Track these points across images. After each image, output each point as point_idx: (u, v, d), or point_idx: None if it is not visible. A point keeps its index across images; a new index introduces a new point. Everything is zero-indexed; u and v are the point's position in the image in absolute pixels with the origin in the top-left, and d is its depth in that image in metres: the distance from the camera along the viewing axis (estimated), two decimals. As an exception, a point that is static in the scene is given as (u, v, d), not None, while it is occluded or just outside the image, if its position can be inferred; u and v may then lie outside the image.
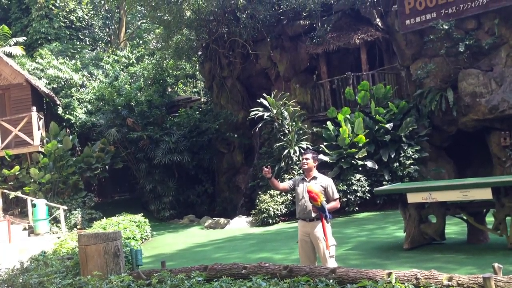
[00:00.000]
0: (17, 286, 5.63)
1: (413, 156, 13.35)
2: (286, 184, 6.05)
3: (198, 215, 16.73)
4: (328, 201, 5.53)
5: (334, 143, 14.15)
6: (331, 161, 13.87)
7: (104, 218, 12.79)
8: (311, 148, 14.35)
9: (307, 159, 5.73)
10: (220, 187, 18.49)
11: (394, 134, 13.65)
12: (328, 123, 14.38)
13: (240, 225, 14.11)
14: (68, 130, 18.97)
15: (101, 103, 19.47)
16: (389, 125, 13.64)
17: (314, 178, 5.67)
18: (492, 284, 3.33)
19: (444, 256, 6.97)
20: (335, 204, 5.62)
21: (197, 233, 13.84)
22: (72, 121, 19.51)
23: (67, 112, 19.50)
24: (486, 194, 6.82)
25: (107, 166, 18.30)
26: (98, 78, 21.44)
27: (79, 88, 20.66)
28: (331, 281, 3.87)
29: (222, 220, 14.57)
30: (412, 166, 13.23)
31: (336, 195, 5.66)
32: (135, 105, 18.73)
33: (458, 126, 14.02)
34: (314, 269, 4.59)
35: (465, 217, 7.60)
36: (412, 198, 7.58)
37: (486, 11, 13.21)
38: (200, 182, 18.62)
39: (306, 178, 5.71)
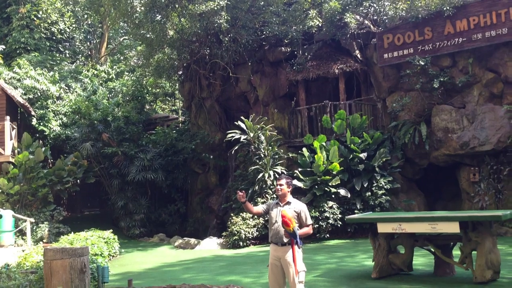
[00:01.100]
0: (-24, 298, 5.46)
1: (385, 187, 13.55)
2: (260, 208, 6.06)
3: (169, 234, 16.53)
4: (301, 226, 5.56)
5: (308, 169, 14.26)
6: (305, 187, 13.95)
7: (72, 233, 12.55)
8: (285, 173, 14.45)
9: (281, 184, 5.74)
10: (192, 207, 18.37)
11: (367, 163, 13.86)
12: (304, 149, 14.52)
13: (210, 246, 13.99)
14: (41, 141, 18.63)
15: (77, 117, 19.26)
16: (363, 155, 13.85)
17: (288, 203, 5.69)
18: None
19: (411, 287, 7.05)
20: (308, 230, 5.64)
21: (167, 252, 13.67)
22: (46, 133, 19.24)
23: (42, 124, 19.23)
24: (453, 227, 6.95)
25: (78, 180, 18.03)
26: (76, 91, 21.27)
27: (55, 100, 20.43)
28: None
29: (192, 240, 14.44)
30: (384, 196, 13.41)
31: (309, 221, 5.68)
32: (112, 120, 18.59)
33: (430, 159, 14.34)
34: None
35: (432, 249, 7.72)
36: (382, 228, 7.69)
37: (461, 50, 13.67)
38: (173, 201, 18.46)
39: (280, 203, 5.73)
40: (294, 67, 16.11)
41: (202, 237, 15.36)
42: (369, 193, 13.54)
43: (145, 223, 17.35)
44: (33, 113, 19.17)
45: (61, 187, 16.77)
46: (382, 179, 13.66)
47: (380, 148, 14.15)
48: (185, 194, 18.95)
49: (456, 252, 7.62)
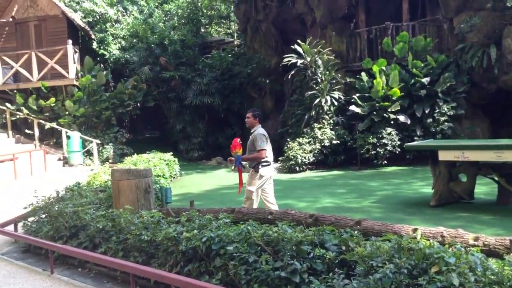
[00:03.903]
0: (53, 213, 5.90)
1: (448, 113, 13.04)
2: None
3: (226, 158, 16.91)
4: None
5: (367, 94, 13.90)
6: (362, 113, 13.68)
7: (135, 154, 13.06)
8: (342, 98, 14.22)
9: (248, 117, 6.45)
10: (248, 132, 18.58)
11: (430, 89, 13.29)
12: (363, 74, 14.08)
13: (266, 170, 14.23)
14: (102, 65, 19.10)
15: (134, 40, 19.45)
16: (425, 80, 13.27)
17: (252, 133, 6.35)
18: (520, 248, 3.32)
19: (471, 215, 6.93)
20: (256, 154, 6.19)
21: (224, 175, 14.07)
22: (106, 57, 19.62)
23: (102, 47, 19.57)
24: (521, 156, 6.65)
25: (138, 104, 18.51)
26: (133, 14, 21.30)
27: (113, 23, 20.58)
28: (356, 232, 3.91)
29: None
30: (446, 123, 12.95)
31: (258, 147, 6.16)
32: (168, 44, 18.64)
33: (499, 84, 13.51)
34: (340, 219, 4.66)
35: (496, 178, 7.48)
36: (443, 155, 7.47)
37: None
38: (230, 125, 18.72)
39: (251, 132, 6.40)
40: (355, -14, 15.26)
41: (259, 161, 15.59)
42: (431, 120, 13.11)
43: (203, 147, 17.82)
44: (93, 36, 19.52)
45: (123, 110, 17.34)
46: (445, 105, 13.12)
47: (444, 73, 13.46)
48: (242, 118, 19.09)
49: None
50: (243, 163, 6.35)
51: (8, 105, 16.74)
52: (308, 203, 8.73)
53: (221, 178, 13.35)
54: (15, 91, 16.93)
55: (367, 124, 13.55)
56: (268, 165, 6.33)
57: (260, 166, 6.19)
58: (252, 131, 6.35)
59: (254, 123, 6.36)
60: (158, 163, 11.27)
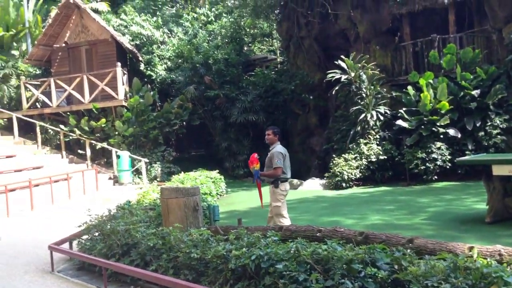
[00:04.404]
0: (105, 232, 6.07)
1: (500, 126, 12.58)
2: None
3: (271, 175, 16.91)
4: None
5: (414, 108, 13.62)
6: (410, 127, 13.40)
7: (182, 172, 13.27)
8: (388, 113, 14.00)
9: (268, 134, 6.75)
10: (293, 148, 18.54)
11: (481, 101, 12.88)
12: (409, 87, 13.83)
13: (313, 187, 14.16)
14: (149, 86, 19.66)
15: (180, 60, 19.93)
16: (475, 92, 12.88)
17: (271, 150, 6.64)
18: None
19: (529, 233, 6.62)
20: (272, 172, 6.54)
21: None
22: (153, 77, 20.17)
23: (149, 69, 20.16)
24: None
25: (184, 122, 18.86)
26: (178, 35, 21.87)
27: (159, 45, 21.19)
28: (408, 251, 3.81)
29: (295, 181, 14.68)
30: (499, 136, 12.48)
31: (275, 165, 6.47)
32: (213, 63, 18.99)
33: (554, 95, 12.95)
34: (391, 237, 4.55)
35: (555, 194, 7.13)
36: (497, 170, 7.18)
37: None
38: (274, 142, 18.71)
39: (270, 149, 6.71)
40: (398, 0, 15.06)
41: (304, 177, 15.54)
42: (483, 133, 12.68)
43: (248, 164, 17.87)
44: (140, 58, 20.15)
45: (169, 129, 17.73)
46: (497, 118, 12.67)
47: (495, 84, 13.02)
48: (286, 135, 19.13)
49: None
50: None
51: (62, 126, 17.47)
52: (356, 220, 8.58)
53: (266, 195, 13.30)
54: (68, 113, 17.68)
55: (415, 138, 13.26)
56: (286, 180, 6.71)
57: (279, 182, 6.57)
58: (270, 148, 6.68)
59: (274, 140, 6.71)
60: (204, 181, 11.42)
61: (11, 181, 11.68)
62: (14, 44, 19.96)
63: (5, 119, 18.29)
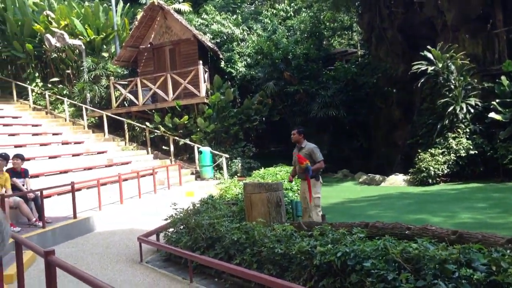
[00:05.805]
0: (190, 225, 6.23)
1: None
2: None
3: (352, 170, 16.61)
4: (314, 163, 6.85)
5: (508, 100, 12.70)
6: (503, 120, 12.51)
7: (262, 168, 13.32)
8: (480, 105, 13.21)
9: (293, 134, 7.13)
10: (376, 142, 18.04)
11: None
12: (503, 77, 12.90)
13: (396, 183, 13.69)
14: (229, 82, 19.98)
15: (259, 57, 20.06)
16: None
17: (302, 148, 7.05)
18: None
19: None
20: (319, 165, 6.95)
21: (351, 188, 13.78)
22: (233, 74, 20.46)
23: (229, 66, 20.48)
24: None
25: (264, 118, 18.97)
26: (257, 32, 22.02)
27: (239, 42, 21.46)
28: (508, 251, 3.53)
29: (377, 176, 14.28)
30: None
31: (319, 158, 6.94)
32: (292, 58, 18.92)
33: None
34: (488, 237, 4.25)
35: None
36: None
37: None
38: (355, 136, 18.36)
39: (297, 148, 7.12)
40: (490, -16, 14.11)
41: (387, 173, 15.04)
42: None
43: (328, 159, 17.61)
44: (221, 56, 20.54)
45: (249, 125, 17.93)
46: None
47: None
48: (368, 129, 18.65)
49: None
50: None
51: (147, 123, 18.27)
52: (444, 218, 8.15)
53: (348, 191, 13.08)
54: (153, 110, 18.44)
55: (509, 132, 12.35)
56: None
57: (319, 175, 6.98)
58: (301, 146, 7.08)
59: (300, 139, 7.13)
60: (285, 176, 11.39)
61: (102, 176, 12.37)
62: (104, 46, 21.15)
63: (96, 117, 19.49)
